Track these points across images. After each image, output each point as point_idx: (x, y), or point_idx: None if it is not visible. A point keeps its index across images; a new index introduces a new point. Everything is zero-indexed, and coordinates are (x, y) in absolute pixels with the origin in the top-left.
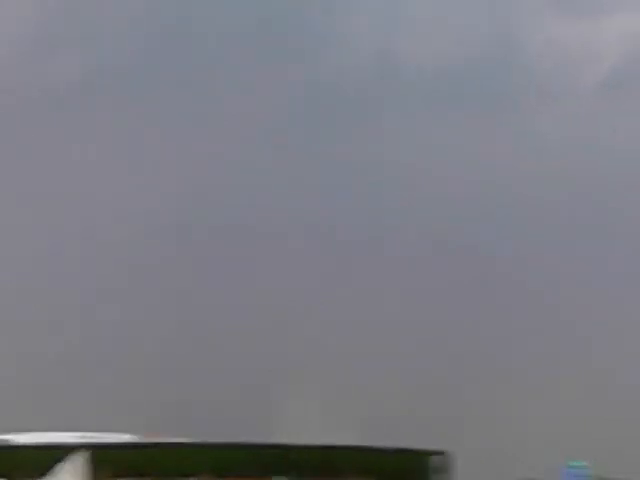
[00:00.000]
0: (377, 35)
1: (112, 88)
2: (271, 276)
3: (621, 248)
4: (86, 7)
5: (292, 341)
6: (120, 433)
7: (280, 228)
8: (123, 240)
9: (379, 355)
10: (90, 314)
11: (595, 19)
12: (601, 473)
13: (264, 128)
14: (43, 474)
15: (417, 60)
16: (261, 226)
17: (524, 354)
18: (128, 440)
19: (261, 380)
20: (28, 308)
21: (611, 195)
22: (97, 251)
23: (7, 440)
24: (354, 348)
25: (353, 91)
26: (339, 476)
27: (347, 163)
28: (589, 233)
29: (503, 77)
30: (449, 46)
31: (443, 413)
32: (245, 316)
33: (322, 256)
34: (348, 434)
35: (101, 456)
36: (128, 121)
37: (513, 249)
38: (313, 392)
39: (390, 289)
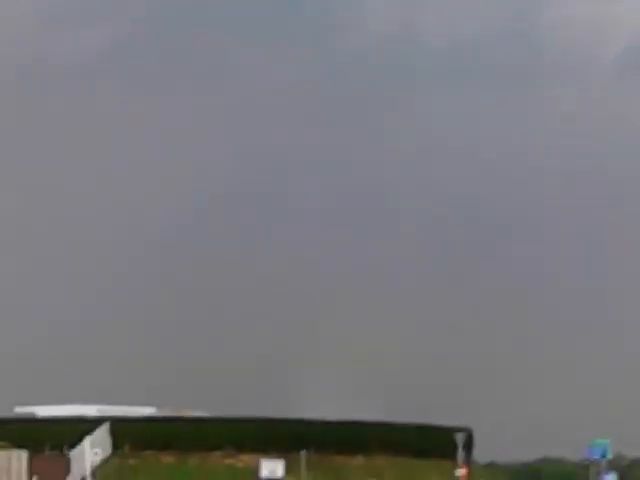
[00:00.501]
0: (400, 12)
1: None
2: (291, 245)
3: None
4: None
5: (312, 316)
6: (142, 407)
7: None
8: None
9: (401, 329)
10: (112, 287)
11: None
12: (622, 450)
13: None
14: (66, 446)
15: (437, 36)
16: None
17: (551, 330)
18: (149, 414)
19: (282, 355)
20: (48, 282)
21: (629, 168)
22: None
23: (31, 413)
24: (375, 322)
25: (382, 66)
26: (360, 452)
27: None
28: (607, 204)
29: (519, 53)
30: (466, 22)
31: (466, 389)
32: (265, 291)
33: (349, 223)
34: (370, 410)
35: (122, 429)
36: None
37: (533, 219)
38: (334, 367)
39: (409, 258)
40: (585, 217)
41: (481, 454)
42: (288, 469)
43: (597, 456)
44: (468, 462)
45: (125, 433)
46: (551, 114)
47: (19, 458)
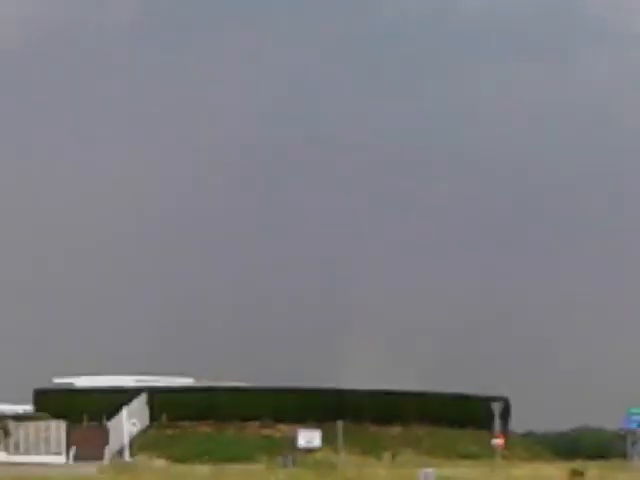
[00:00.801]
0: None
1: None
2: (336, 217)
3: None
4: None
5: (350, 286)
6: (180, 377)
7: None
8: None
9: (438, 297)
10: (151, 256)
11: None
12: None
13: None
14: (104, 416)
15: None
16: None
17: (589, 298)
18: (188, 384)
19: (321, 325)
20: (87, 250)
21: None
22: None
23: (69, 384)
24: (413, 291)
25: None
26: (397, 422)
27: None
28: None
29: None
30: None
31: (504, 359)
32: (305, 259)
33: (391, 190)
34: (407, 379)
35: (160, 399)
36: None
37: (570, 179)
38: (373, 336)
39: (451, 228)
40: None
41: (518, 424)
42: (325, 439)
43: (634, 425)
44: (505, 432)
45: (162, 403)
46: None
47: (58, 429)
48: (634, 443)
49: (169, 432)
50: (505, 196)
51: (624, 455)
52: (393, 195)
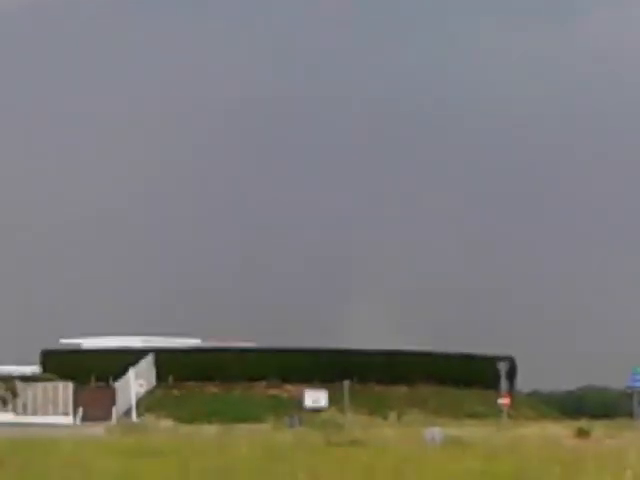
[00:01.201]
0: None
1: None
2: (335, 176)
3: None
4: None
5: (356, 246)
6: (187, 338)
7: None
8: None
9: (445, 259)
10: (156, 215)
11: None
12: None
13: None
14: (111, 377)
15: None
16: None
17: (590, 259)
18: (195, 345)
19: (326, 286)
20: (92, 212)
21: None
22: None
23: (77, 345)
24: (418, 252)
25: None
26: (403, 382)
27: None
28: None
29: None
30: None
31: (509, 318)
32: (310, 220)
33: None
34: (413, 339)
35: (167, 360)
36: None
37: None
38: (378, 297)
39: (455, 188)
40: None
41: (524, 383)
42: (331, 399)
43: (639, 384)
44: (511, 391)
45: (170, 364)
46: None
47: (65, 389)
48: None
49: (176, 393)
50: (505, 153)
51: (630, 414)
52: (393, 153)
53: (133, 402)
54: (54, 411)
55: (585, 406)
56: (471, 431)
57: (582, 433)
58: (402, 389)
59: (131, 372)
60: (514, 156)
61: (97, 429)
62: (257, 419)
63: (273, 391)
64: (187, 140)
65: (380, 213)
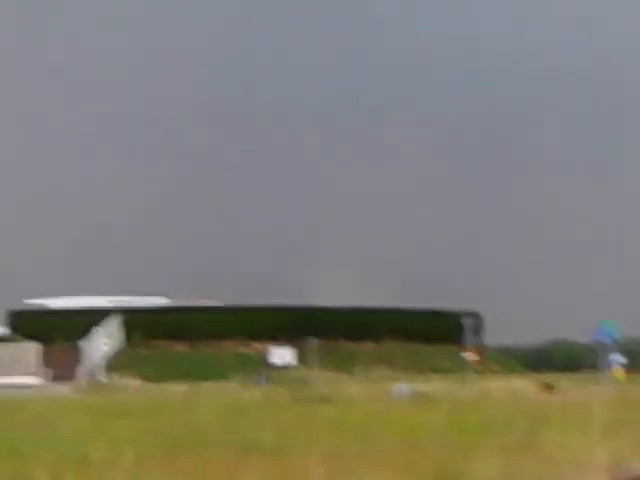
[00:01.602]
0: None
1: None
2: (300, 141)
3: None
4: None
5: (323, 203)
6: (153, 297)
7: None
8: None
9: (410, 213)
10: (122, 175)
11: None
12: (632, 332)
13: None
14: (78, 337)
15: None
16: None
17: (556, 212)
18: (162, 304)
19: (291, 244)
20: (60, 172)
21: None
22: None
23: (42, 305)
24: (383, 207)
25: None
26: (370, 338)
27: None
28: None
29: None
30: None
31: (474, 273)
32: (274, 181)
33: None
34: (379, 296)
35: (134, 319)
36: None
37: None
38: (344, 255)
39: (423, 146)
40: None
41: (492, 338)
42: (298, 356)
43: (605, 337)
44: (478, 346)
45: (137, 324)
46: None
47: (32, 350)
48: (605, 355)
49: (143, 352)
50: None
51: (595, 368)
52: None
53: (100, 362)
54: (21, 371)
55: (552, 360)
56: (438, 386)
57: (548, 387)
58: (369, 345)
59: (98, 332)
60: (478, 101)
61: (64, 389)
62: (224, 377)
63: (240, 349)
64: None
65: (344, 169)
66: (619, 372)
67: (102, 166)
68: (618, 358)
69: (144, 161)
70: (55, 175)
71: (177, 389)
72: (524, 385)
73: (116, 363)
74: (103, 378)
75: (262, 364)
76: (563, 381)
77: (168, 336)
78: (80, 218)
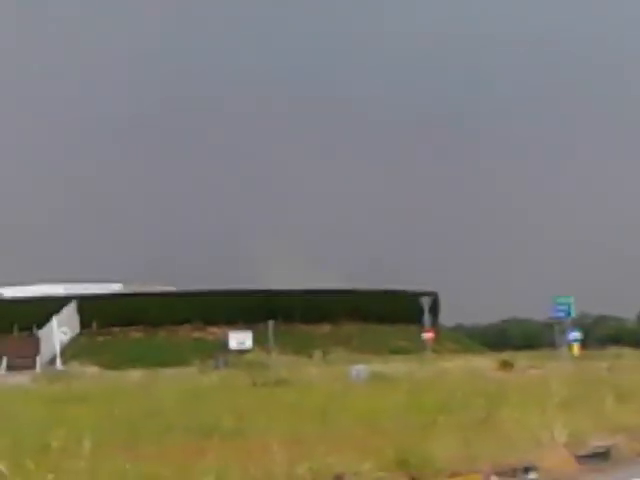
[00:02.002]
0: None
1: None
2: (255, 125)
3: None
4: None
5: (277, 185)
6: (109, 283)
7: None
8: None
9: (364, 194)
10: (75, 162)
11: None
12: (586, 309)
13: None
14: (34, 326)
15: None
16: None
17: (510, 191)
18: (117, 290)
19: (245, 228)
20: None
21: None
22: None
23: None
24: (337, 187)
25: None
26: (327, 320)
27: None
28: None
29: None
30: None
31: (429, 255)
32: (225, 163)
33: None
34: (336, 278)
35: (90, 306)
36: None
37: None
38: (297, 238)
39: (376, 127)
40: None
41: (448, 318)
42: (256, 340)
43: (561, 314)
44: (434, 326)
45: (93, 310)
46: None
47: None
48: (562, 332)
49: (100, 339)
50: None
51: (552, 344)
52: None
53: (57, 350)
54: None
55: (508, 338)
56: (395, 367)
57: (506, 365)
58: (326, 327)
59: (54, 320)
60: (432, 83)
61: (22, 378)
62: (182, 362)
63: (197, 334)
64: None
65: (297, 150)
66: (575, 348)
67: (46, 150)
68: (575, 334)
69: (92, 144)
70: (12, 160)
71: (135, 375)
72: (482, 363)
73: (73, 351)
74: (61, 366)
75: (220, 348)
76: (521, 359)
77: (124, 322)
78: (31, 204)
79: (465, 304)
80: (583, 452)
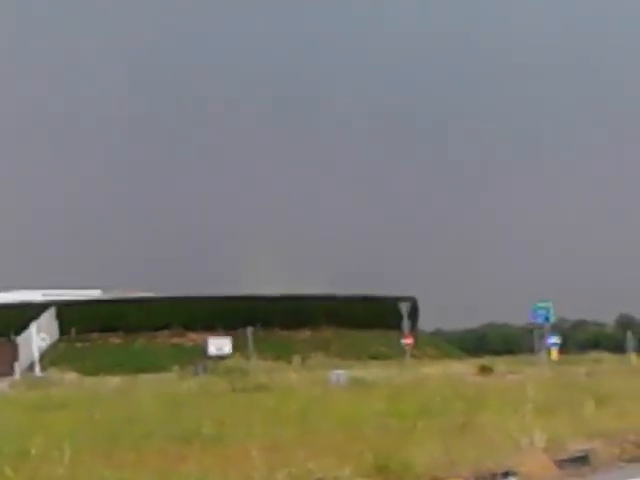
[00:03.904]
0: None
1: None
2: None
3: None
4: None
5: (256, 191)
6: (87, 290)
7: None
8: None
9: (344, 201)
10: (57, 171)
11: None
12: (565, 314)
13: None
14: (12, 333)
15: None
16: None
17: (489, 197)
18: (95, 296)
19: (227, 234)
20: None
21: None
22: None
23: None
24: (318, 195)
25: None
26: (306, 326)
27: None
28: None
29: None
30: None
31: (408, 260)
32: (207, 168)
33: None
34: (315, 284)
35: (68, 313)
36: None
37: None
38: (279, 243)
39: (355, 131)
40: None
41: (427, 323)
42: (236, 345)
43: (540, 320)
44: (413, 331)
45: (71, 317)
46: None
47: None
48: (541, 337)
49: (79, 345)
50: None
51: (531, 350)
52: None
53: (36, 356)
54: None
55: (487, 343)
56: (375, 372)
57: (485, 370)
58: (305, 333)
59: (33, 326)
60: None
61: (0, 385)
62: (161, 369)
63: (176, 340)
64: None
65: (277, 155)
66: (554, 353)
67: (30, 161)
68: (553, 339)
69: (71, 155)
70: None
71: (114, 382)
72: (461, 369)
73: (52, 357)
74: (39, 373)
75: (199, 354)
76: (500, 364)
77: (103, 328)
78: (11, 212)
79: (444, 309)
80: (562, 457)
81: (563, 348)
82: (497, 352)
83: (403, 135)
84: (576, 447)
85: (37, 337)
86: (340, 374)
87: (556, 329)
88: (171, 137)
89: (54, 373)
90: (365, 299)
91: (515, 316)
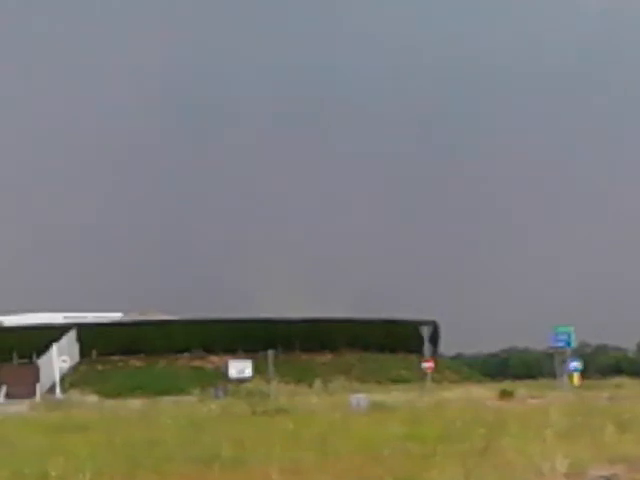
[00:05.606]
0: None
1: None
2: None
3: None
4: None
5: (276, 216)
6: (108, 312)
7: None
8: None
9: (365, 225)
10: (73, 190)
11: None
12: (587, 338)
13: None
14: (34, 355)
15: None
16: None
17: (510, 222)
18: (116, 319)
19: (248, 256)
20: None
21: None
22: None
23: None
24: (339, 220)
25: None
26: (327, 349)
27: None
28: None
29: None
30: None
31: (430, 283)
32: (230, 193)
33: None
34: (336, 307)
35: (89, 335)
36: None
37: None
38: (298, 267)
39: (378, 154)
40: None
41: (448, 347)
42: (256, 369)
43: (561, 344)
44: (434, 355)
45: (92, 339)
46: None
47: None
48: (562, 362)
49: (100, 367)
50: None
51: (552, 374)
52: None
53: (57, 378)
54: None
55: (508, 368)
56: (396, 396)
57: (505, 394)
58: (326, 356)
59: (54, 348)
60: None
61: (21, 407)
62: (182, 391)
63: (197, 363)
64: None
65: (300, 181)
66: (576, 378)
67: (49, 183)
68: (575, 364)
69: (91, 175)
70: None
71: (134, 404)
72: (482, 393)
73: (73, 379)
74: (60, 395)
75: (220, 377)
76: (521, 388)
77: (124, 351)
78: (32, 235)
79: (465, 334)
80: None
81: (584, 373)
82: (518, 377)
83: (421, 156)
84: (598, 472)
85: (58, 359)
86: (360, 398)
87: (577, 354)
88: (186, 157)
89: (75, 395)
90: (386, 323)
91: (536, 341)
